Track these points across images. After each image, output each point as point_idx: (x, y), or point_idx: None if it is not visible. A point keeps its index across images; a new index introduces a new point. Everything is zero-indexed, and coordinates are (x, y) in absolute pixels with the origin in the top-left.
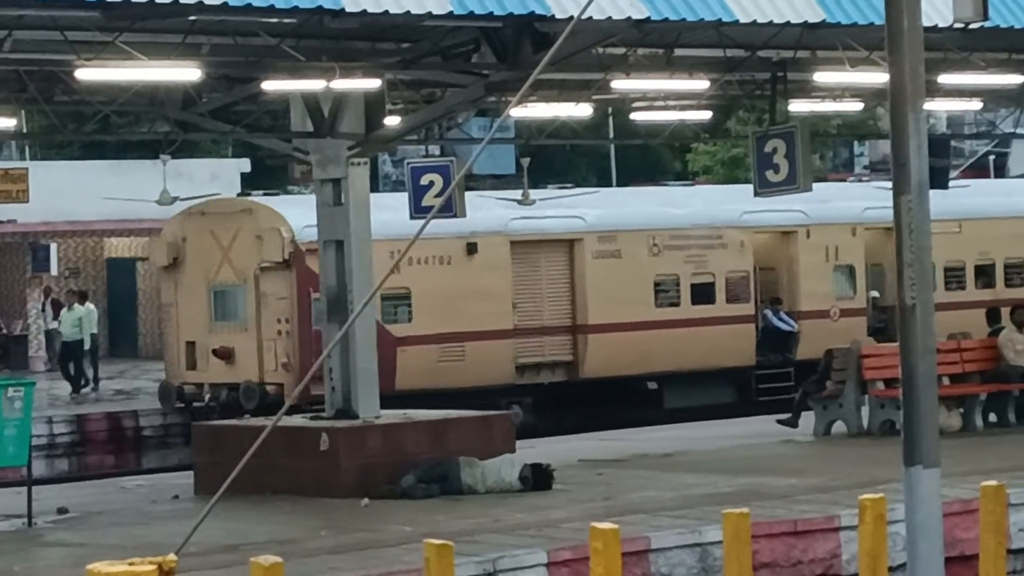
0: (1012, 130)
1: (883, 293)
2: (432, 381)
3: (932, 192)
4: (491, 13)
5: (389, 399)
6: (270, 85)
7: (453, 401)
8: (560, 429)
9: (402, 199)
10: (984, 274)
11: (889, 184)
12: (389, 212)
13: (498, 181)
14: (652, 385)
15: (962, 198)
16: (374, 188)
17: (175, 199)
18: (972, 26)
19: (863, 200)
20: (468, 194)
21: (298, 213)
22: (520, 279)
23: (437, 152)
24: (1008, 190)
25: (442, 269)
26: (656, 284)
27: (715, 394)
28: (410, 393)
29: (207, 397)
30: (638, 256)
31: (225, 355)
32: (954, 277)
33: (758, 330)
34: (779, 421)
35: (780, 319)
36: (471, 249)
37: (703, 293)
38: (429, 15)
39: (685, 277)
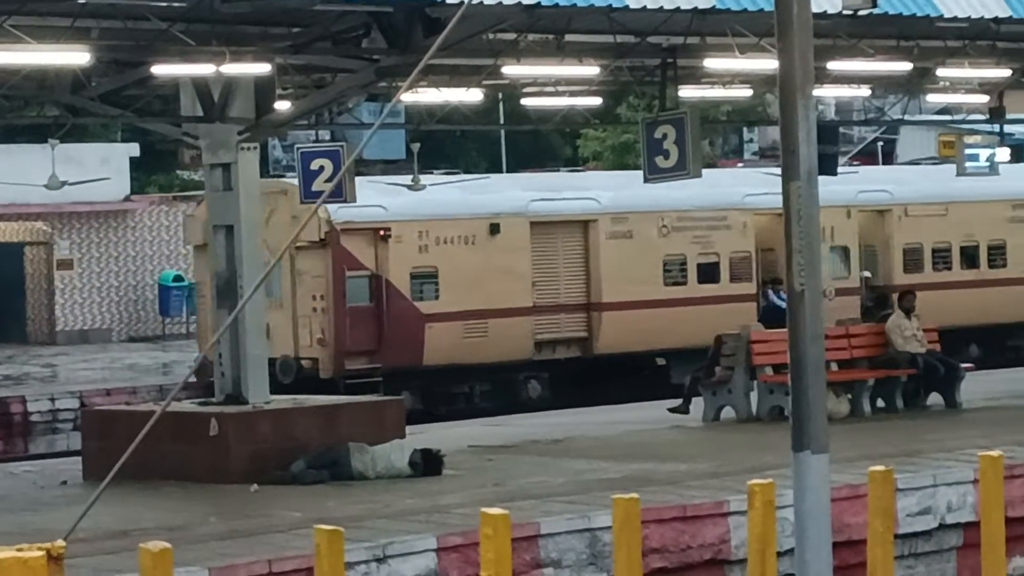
0: (900, 117)
1: (875, 273)
2: (457, 356)
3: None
4: None
5: (417, 373)
6: (160, 69)
7: (476, 375)
8: (575, 403)
9: (428, 182)
10: (968, 255)
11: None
12: (416, 195)
13: (388, 166)
14: (660, 361)
15: (950, 182)
16: (264, 173)
17: (64, 183)
18: (861, 13)
19: (856, 184)
20: (492, 177)
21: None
22: (539, 259)
23: (327, 137)
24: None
25: (467, 249)
26: (665, 264)
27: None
28: (437, 368)
29: None
30: (648, 237)
31: None
32: (940, 258)
33: (759, 308)
34: (670, 409)
35: (780, 297)
36: (494, 230)
37: (708, 272)
38: (320, 0)
39: (692, 257)
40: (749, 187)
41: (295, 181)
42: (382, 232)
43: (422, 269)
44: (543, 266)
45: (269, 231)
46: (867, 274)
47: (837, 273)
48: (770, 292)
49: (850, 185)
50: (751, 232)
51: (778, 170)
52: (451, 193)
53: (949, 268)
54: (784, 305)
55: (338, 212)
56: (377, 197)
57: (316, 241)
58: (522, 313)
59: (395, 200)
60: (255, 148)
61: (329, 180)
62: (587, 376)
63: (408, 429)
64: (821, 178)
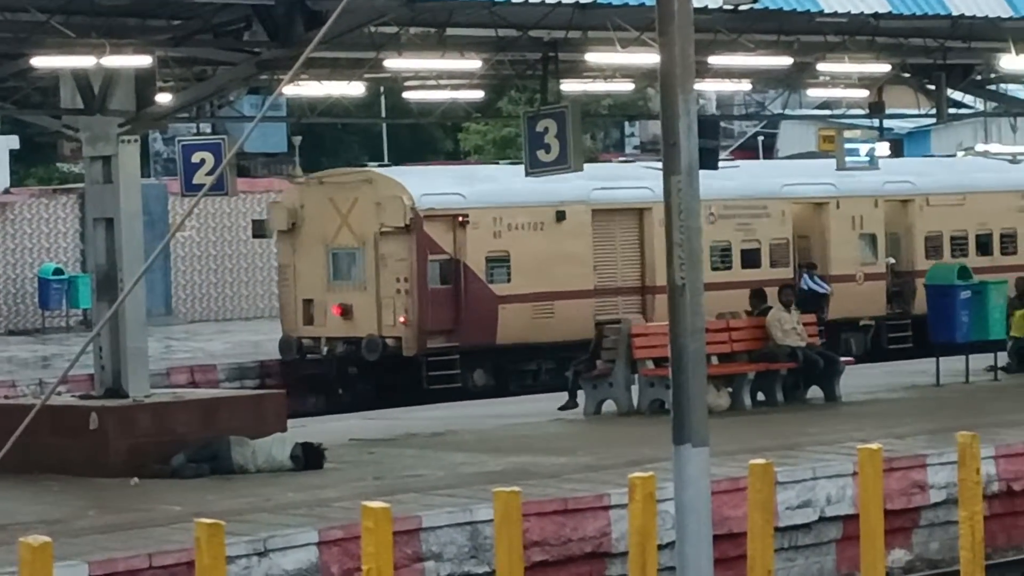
0: (781, 111)
1: (899, 260)
2: (527, 336)
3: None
4: None
5: (491, 351)
6: (39, 61)
7: (543, 354)
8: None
9: (501, 171)
10: (982, 242)
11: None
12: (490, 183)
13: (270, 159)
14: None
15: (967, 173)
16: (145, 166)
17: None
18: (742, 8)
19: (883, 175)
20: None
21: (416, 183)
22: (599, 244)
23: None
24: (1000, 166)
25: (536, 234)
26: (712, 249)
27: None
28: (508, 347)
29: (324, 350)
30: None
31: (345, 311)
32: (957, 245)
33: (795, 291)
34: (560, 408)
35: (815, 282)
36: (560, 217)
37: (751, 258)
38: None
39: (736, 243)
40: (787, 177)
41: (378, 170)
42: (460, 218)
43: (496, 253)
44: (603, 251)
45: (353, 218)
46: (892, 260)
47: (866, 259)
48: (805, 276)
49: (877, 176)
50: (789, 220)
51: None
52: (521, 181)
53: (966, 255)
54: (819, 289)
55: (421, 199)
56: (456, 185)
57: (401, 227)
58: (584, 295)
59: (472, 188)
60: (135, 141)
61: (210, 173)
62: None
63: (289, 423)
64: (855, 170)
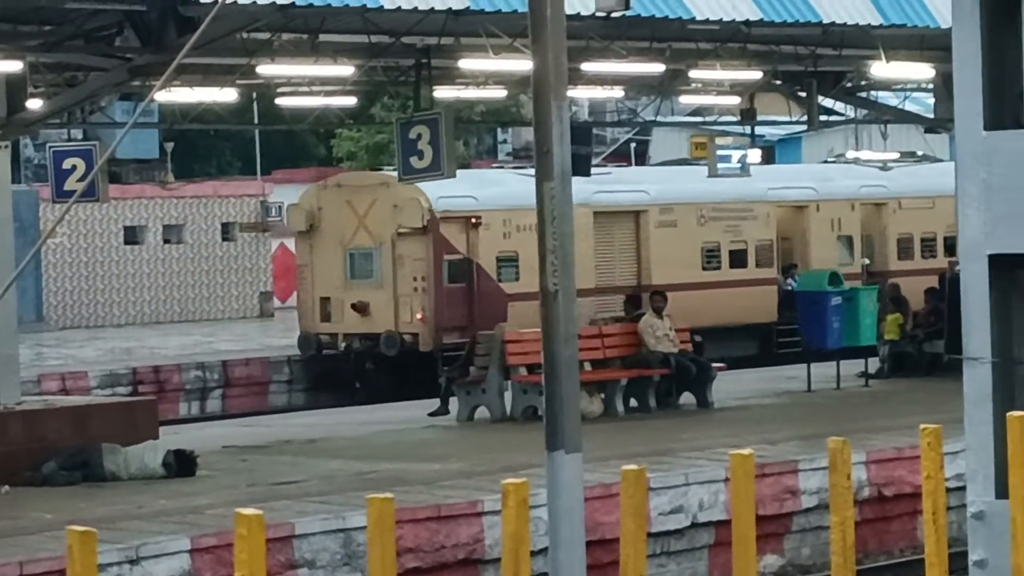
0: (653, 118)
1: (872, 260)
2: None
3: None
4: None
5: None
6: None
7: None
8: None
9: (509, 175)
10: (950, 244)
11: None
12: (500, 186)
13: (142, 166)
14: (697, 338)
15: (938, 178)
16: (15, 172)
17: None
18: (614, 15)
19: (859, 179)
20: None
21: (432, 186)
22: (600, 244)
23: (80, 136)
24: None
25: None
26: (703, 250)
27: (744, 347)
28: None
29: (342, 346)
30: (689, 226)
31: (362, 309)
32: (927, 247)
33: (779, 291)
34: (430, 414)
35: (796, 281)
36: None
37: (738, 258)
38: None
39: (725, 244)
40: (771, 182)
41: (395, 173)
42: (473, 220)
43: (506, 253)
44: (603, 251)
45: (370, 219)
46: (866, 261)
47: (843, 260)
48: (788, 278)
49: (854, 180)
50: (773, 222)
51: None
52: (529, 184)
53: (935, 256)
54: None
55: (438, 202)
56: (469, 188)
57: (418, 228)
58: (586, 294)
59: (484, 191)
60: (6, 147)
61: (82, 179)
62: None
63: (161, 430)
64: (833, 173)
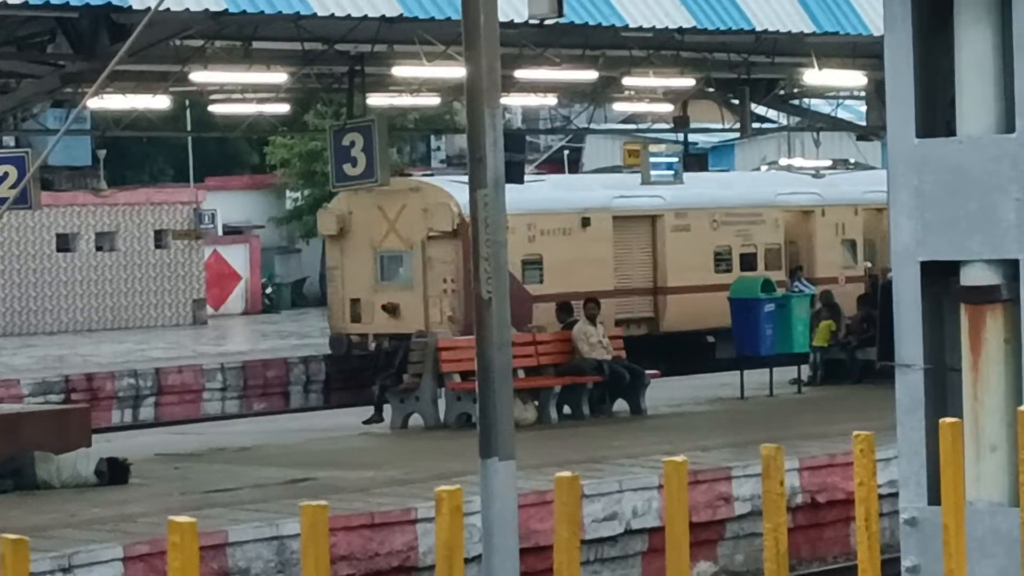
0: (586, 125)
1: (874, 264)
2: None
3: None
4: (67, 3)
5: None
6: None
7: None
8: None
9: (533, 180)
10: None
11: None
12: (525, 191)
13: (74, 173)
14: (710, 339)
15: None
16: None
17: None
18: (548, 22)
19: (862, 185)
20: (579, 177)
21: (461, 191)
22: (619, 248)
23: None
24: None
25: (564, 239)
26: (715, 253)
27: None
28: None
29: (372, 345)
30: (703, 230)
31: (392, 309)
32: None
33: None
34: (364, 422)
35: (803, 284)
36: (585, 223)
37: (748, 261)
38: (4, 4)
39: (736, 248)
40: (780, 187)
41: (425, 179)
42: None
43: (530, 256)
44: (622, 254)
45: (401, 224)
46: (868, 264)
47: (847, 263)
48: (795, 280)
49: (857, 186)
50: (781, 226)
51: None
52: (551, 190)
53: None
54: (805, 290)
55: (467, 206)
56: None
57: (448, 232)
58: (606, 296)
59: (509, 195)
60: None
61: (14, 186)
62: (653, 352)
63: (94, 437)
64: (837, 179)
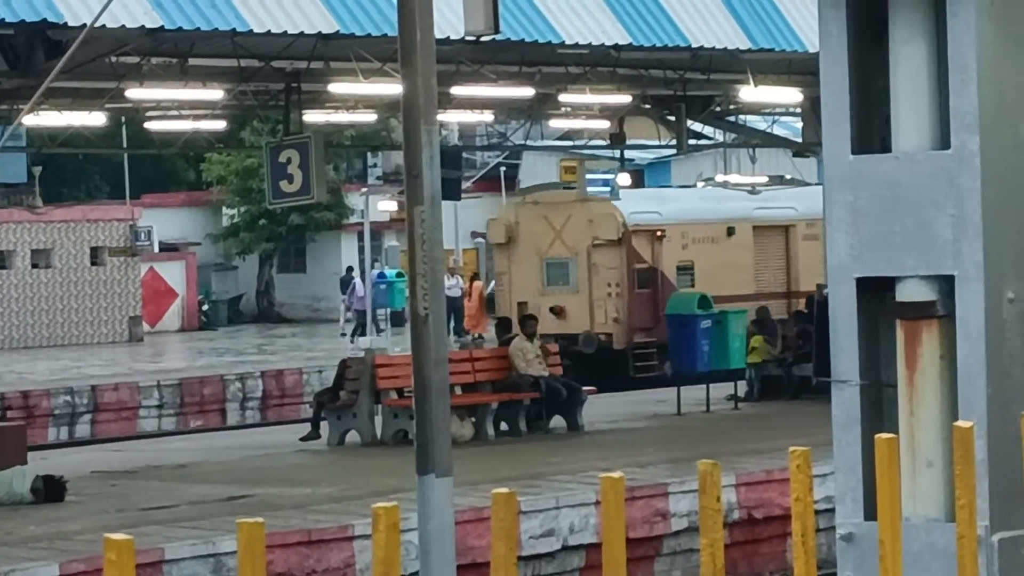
0: (523, 142)
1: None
2: None
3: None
4: (2, 20)
5: None
6: None
7: None
8: None
9: (686, 194)
10: None
11: None
12: (679, 203)
13: (9, 190)
14: None
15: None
16: None
17: None
18: (484, 39)
19: None
20: (722, 190)
21: (625, 203)
22: (758, 255)
23: None
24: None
25: (712, 247)
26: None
27: None
28: None
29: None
30: None
31: (559, 311)
32: None
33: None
34: (301, 439)
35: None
36: (730, 232)
37: None
38: None
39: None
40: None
41: (590, 192)
42: (658, 233)
43: (683, 262)
44: (761, 261)
45: (566, 232)
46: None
47: None
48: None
49: None
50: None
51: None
52: (699, 202)
53: None
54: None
55: (630, 217)
56: (655, 204)
57: (613, 240)
58: (748, 299)
59: (665, 207)
60: None
61: None
62: None
63: (30, 455)
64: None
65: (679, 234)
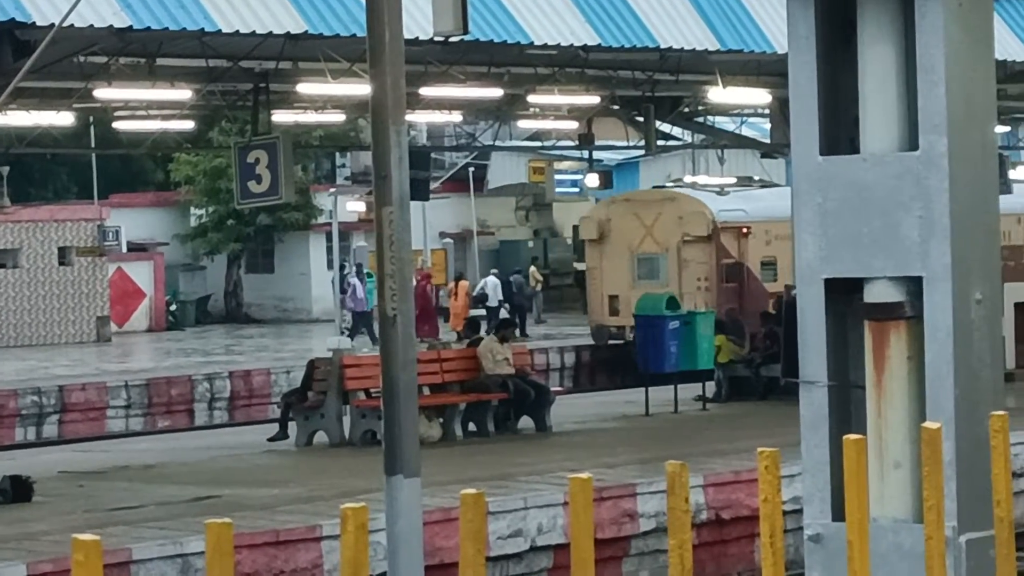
0: (491, 142)
1: None
2: None
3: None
4: None
5: None
6: None
7: None
8: None
9: (768, 192)
10: None
11: None
12: (763, 201)
13: None
14: None
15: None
16: None
17: None
18: (453, 39)
19: None
20: (775, 190)
21: (712, 201)
22: None
23: None
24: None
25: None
26: (763, 264)
27: None
28: None
29: (631, 336)
30: None
31: None
32: None
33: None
34: (269, 439)
35: None
36: None
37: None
38: None
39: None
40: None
41: (680, 190)
42: (744, 230)
43: (767, 258)
44: None
45: (657, 229)
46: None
47: None
48: None
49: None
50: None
51: None
52: (778, 200)
53: None
54: None
55: (719, 214)
56: (740, 203)
57: (702, 236)
58: None
59: (750, 205)
60: None
61: None
62: None
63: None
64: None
65: (763, 231)
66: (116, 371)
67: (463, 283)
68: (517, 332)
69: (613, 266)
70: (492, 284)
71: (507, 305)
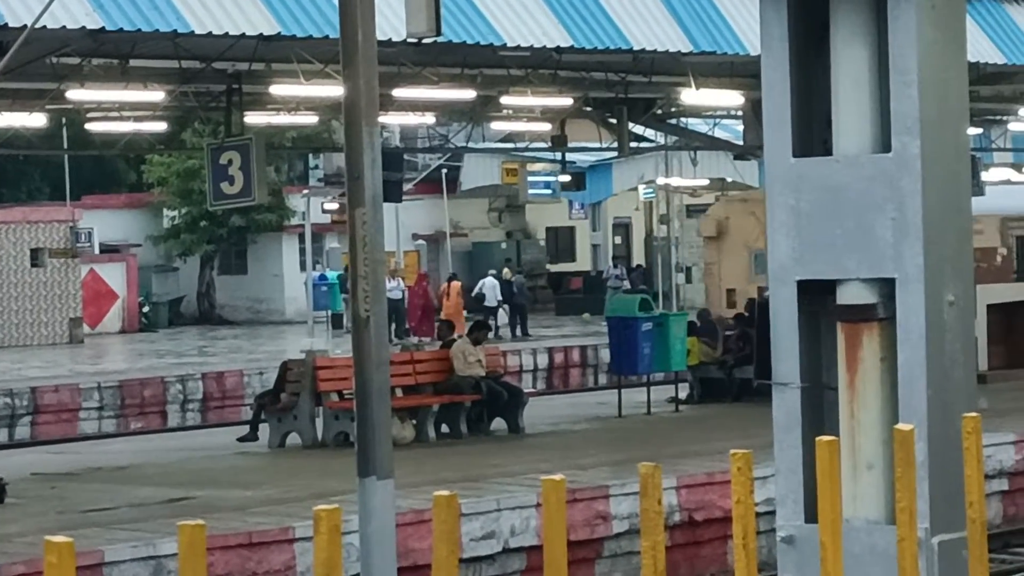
0: (464, 144)
1: None
2: None
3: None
4: None
5: None
6: None
7: None
8: None
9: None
10: None
11: None
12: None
13: None
14: None
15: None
16: None
17: None
18: (426, 41)
19: None
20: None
21: None
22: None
23: None
24: None
25: None
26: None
27: None
28: None
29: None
30: (991, 234)
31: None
32: None
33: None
34: (239, 439)
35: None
36: None
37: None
38: None
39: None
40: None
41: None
42: None
43: None
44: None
45: (732, 231)
46: None
47: None
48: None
49: None
50: None
51: None
52: None
53: None
54: None
55: None
56: None
57: None
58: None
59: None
60: None
61: None
62: None
63: None
64: None
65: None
66: (89, 372)
67: (455, 284)
68: (518, 332)
69: (730, 262)
70: (490, 285)
71: (507, 306)
